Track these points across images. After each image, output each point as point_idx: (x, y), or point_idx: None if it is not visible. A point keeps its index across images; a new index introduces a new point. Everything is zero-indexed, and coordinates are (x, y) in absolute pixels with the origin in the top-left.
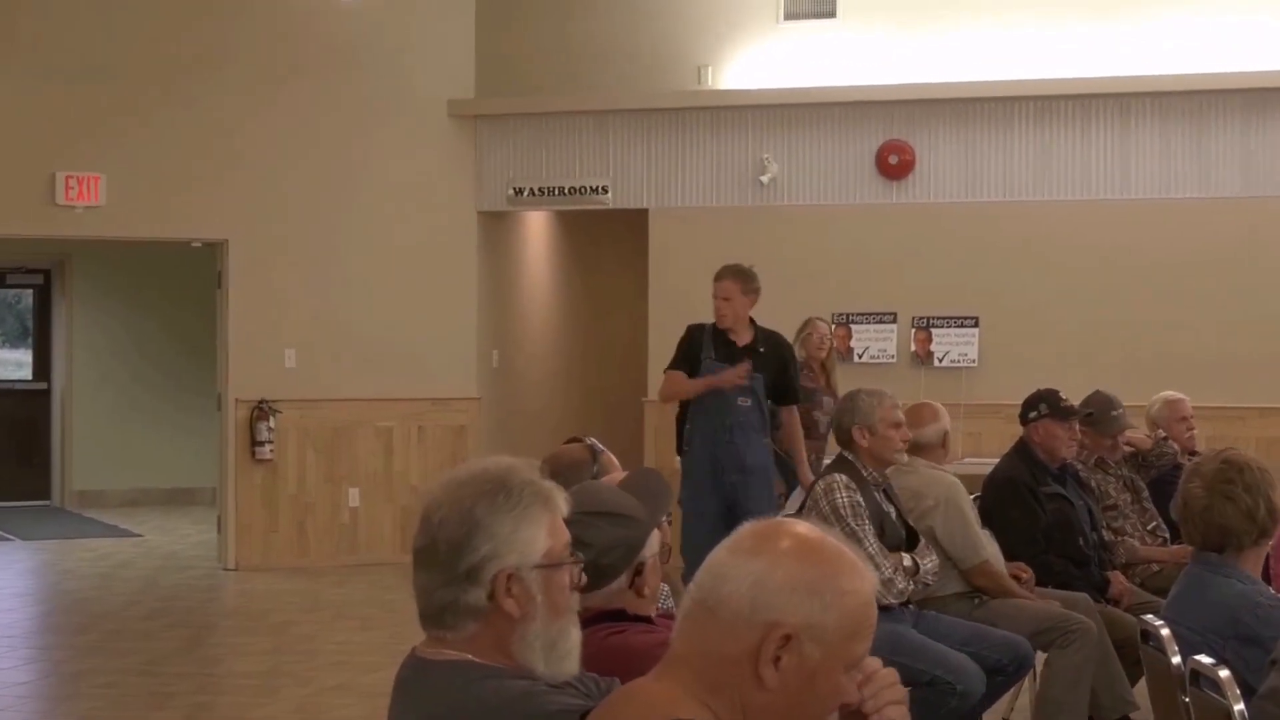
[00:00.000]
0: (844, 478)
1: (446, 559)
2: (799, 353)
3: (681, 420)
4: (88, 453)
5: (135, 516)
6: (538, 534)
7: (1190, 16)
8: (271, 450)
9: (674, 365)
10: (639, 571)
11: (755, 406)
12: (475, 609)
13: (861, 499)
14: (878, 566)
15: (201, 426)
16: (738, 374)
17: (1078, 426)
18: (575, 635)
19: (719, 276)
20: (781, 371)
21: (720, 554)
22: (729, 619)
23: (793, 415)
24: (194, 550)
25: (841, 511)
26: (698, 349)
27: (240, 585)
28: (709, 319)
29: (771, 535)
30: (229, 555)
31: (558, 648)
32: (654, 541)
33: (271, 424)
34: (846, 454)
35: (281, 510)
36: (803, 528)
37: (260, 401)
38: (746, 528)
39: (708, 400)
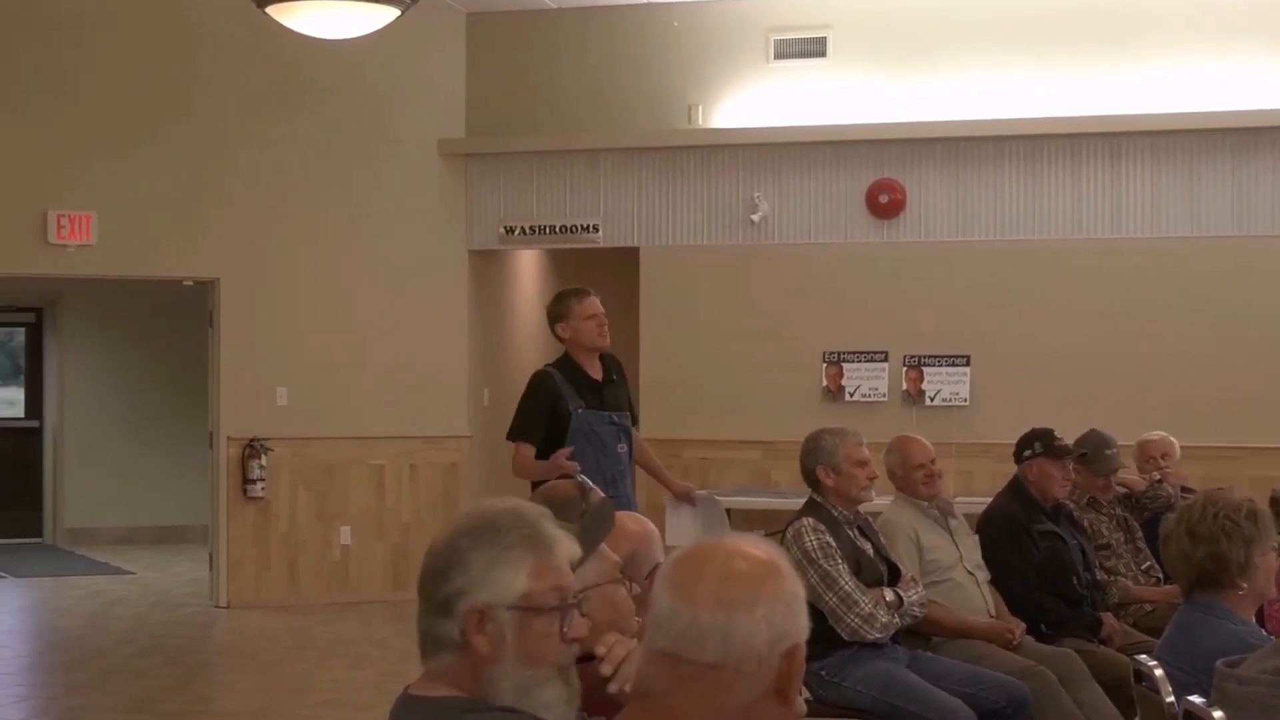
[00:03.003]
0: (810, 520)
1: (427, 588)
2: None
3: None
4: (80, 490)
5: (127, 554)
6: (515, 575)
7: (1181, 57)
8: (263, 488)
9: (527, 429)
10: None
11: (628, 450)
12: (449, 641)
13: (832, 539)
14: (855, 604)
15: (193, 464)
16: (571, 468)
17: (1071, 466)
18: (557, 690)
19: (581, 295)
20: (629, 399)
21: (705, 615)
22: (753, 669)
23: (637, 436)
24: (186, 588)
25: (813, 555)
26: (556, 401)
27: (232, 623)
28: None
29: (752, 575)
30: (220, 593)
31: (531, 695)
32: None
33: (263, 462)
34: (815, 496)
35: (273, 548)
36: (739, 548)
37: (252, 439)
38: (706, 581)
39: (589, 452)
